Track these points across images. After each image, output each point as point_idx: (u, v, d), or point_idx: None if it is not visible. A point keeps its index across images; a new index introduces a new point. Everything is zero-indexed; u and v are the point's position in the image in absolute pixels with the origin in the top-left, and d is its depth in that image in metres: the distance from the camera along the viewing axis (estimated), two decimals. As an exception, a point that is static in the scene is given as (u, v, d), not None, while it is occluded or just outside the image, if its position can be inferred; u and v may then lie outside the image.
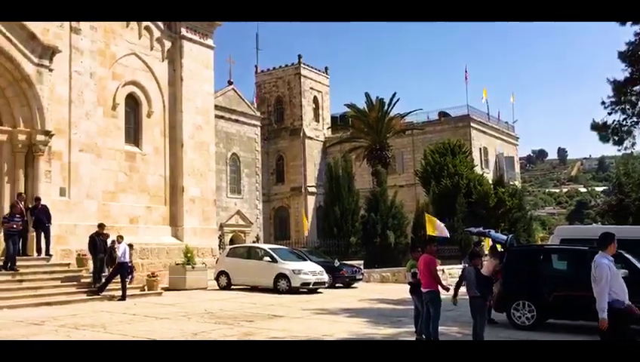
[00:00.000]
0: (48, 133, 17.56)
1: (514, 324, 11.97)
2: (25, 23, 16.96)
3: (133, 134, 21.54)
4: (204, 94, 23.93)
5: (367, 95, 39.81)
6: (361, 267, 24.41)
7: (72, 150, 18.71)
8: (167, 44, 22.62)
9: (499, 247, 13.49)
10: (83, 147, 19.04)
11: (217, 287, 20.07)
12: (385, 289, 21.21)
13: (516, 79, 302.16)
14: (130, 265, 17.11)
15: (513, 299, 12.08)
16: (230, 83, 43.66)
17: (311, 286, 19.35)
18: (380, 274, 25.39)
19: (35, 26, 17.39)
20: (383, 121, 38.88)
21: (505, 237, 14.13)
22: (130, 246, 17.59)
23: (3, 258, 15.59)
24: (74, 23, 18.97)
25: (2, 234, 15.84)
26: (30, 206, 16.69)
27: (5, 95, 17.20)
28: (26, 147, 17.36)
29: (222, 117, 40.11)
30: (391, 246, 29.33)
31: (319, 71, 53.08)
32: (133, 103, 21.59)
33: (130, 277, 17.11)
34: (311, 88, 51.43)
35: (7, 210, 16.46)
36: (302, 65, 50.55)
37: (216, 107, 29.77)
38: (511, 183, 42.45)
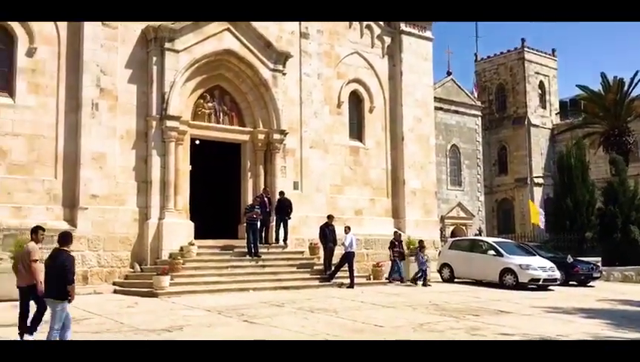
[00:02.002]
0: (283, 132, 19.22)
1: None
2: (262, 32, 18.76)
3: (357, 130, 22.51)
4: (424, 87, 23.96)
5: (602, 75, 36.07)
6: (599, 264, 22.23)
7: (303, 147, 20.23)
8: (387, 40, 23.13)
9: None
10: (312, 144, 20.46)
11: (440, 279, 19.98)
12: (628, 290, 19.05)
13: None
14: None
15: None
16: (449, 73, 43.05)
17: (540, 282, 18.22)
18: (621, 272, 22.92)
19: (269, 34, 19.14)
20: (622, 103, 34.87)
21: None
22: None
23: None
24: (303, 29, 20.46)
25: (245, 223, 17.74)
26: (270, 198, 18.36)
27: (247, 99, 19.24)
28: (264, 145, 19.23)
29: (441, 108, 39.73)
30: (634, 243, 26.18)
31: (545, 54, 49.51)
32: (355, 100, 22.55)
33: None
34: (536, 73, 48.23)
35: (249, 201, 18.41)
36: (525, 49, 47.65)
37: (435, 99, 29.58)
38: None
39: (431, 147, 24.14)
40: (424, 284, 18.55)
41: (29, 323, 9.09)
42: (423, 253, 19.33)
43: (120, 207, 16.65)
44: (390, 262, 19.58)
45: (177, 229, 16.95)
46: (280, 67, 19.34)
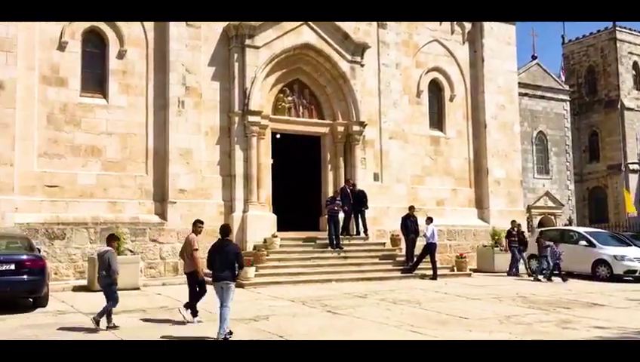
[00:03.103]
0: (362, 124, 19.20)
1: None
2: (339, 24, 18.80)
3: (437, 119, 22.10)
4: (506, 72, 23.15)
5: None
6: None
7: (382, 138, 20.11)
8: (468, 26, 22.52)
9: None
10: (392, 134, 20.30)
11: (528, 271, 19.31)
12: None
13: None
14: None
15: None
16: (534, 57, 41.31)
17: (637, 274, 17.22)
18: None
19: (346, 26, 19.13)
20: None
21: None
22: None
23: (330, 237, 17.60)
24: (380, 19, 20.30)
25: (327, 215, 17.88)
26: (352, 184, 18.38)
27: (326, 92, 19.36)
28: (344, 137, 19.28)
29: (525, 94, 38.23)
30: None
31: (639, 32, 46.47)
32: (435, 89, 22.14)
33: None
34: (629, 53, 45.35)
35: (330, 193, 18.55)
36: (617, 28, 44.87)
37: (519, 84, 28.50)
38: None
39: (515, 134, 23.33)
40: (549, 279, 17.16)
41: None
42: (556, 245, 17.48)
43: (206, 200, 17.25)
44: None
45: (261, 222, 17.36)
46: (358, 58, 19.31)
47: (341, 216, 17.61)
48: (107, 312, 9.40)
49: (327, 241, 17.38)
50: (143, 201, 16.68)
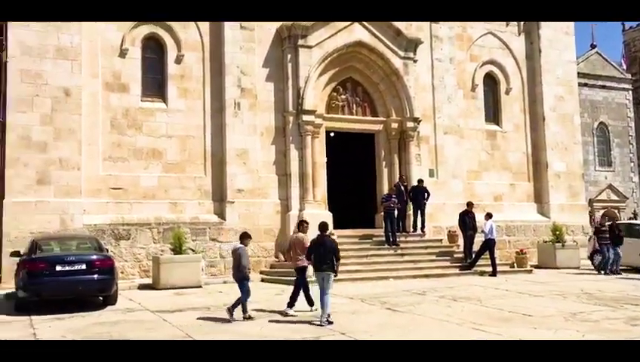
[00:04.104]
0: (416, 120, 19.07)
1: None
2: (392, 21, 18.71)
3: (493, 113, 21.72)
4: (565, 63, 22.52)
5: None
6: None
7: (437, 133, 19.93)
8: (523, 17, 22.01)
9: None
10: (447, 130, 20.08)
11: (591, 267, 18.72)
12: None
13: None
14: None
15: None
16: (593, 46, 39.96)
17: None
18: None
19: (399, 23, 19.01)
20: None
21: None
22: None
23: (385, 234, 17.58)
24: (432, 14, 20.08)
25: (382, 213, 17.87)
26: (407, 186, 18.29)
27: (379, 89, 19.32)
28: (398, 134, 19.19)
29: (585, 84, 37.00)
30: None
31: None
32: (490, 82, 21.75)
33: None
34: (696, 37, 43.21)
35: (385, 191, 18.52)
36: (682, 11, 42.80)
37: (579, 74, 27.59)
38: None
39: (575, 126, 22.66)
40: (613, 272, 16.81)
41: (291, 298, 11.00)
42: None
43: (263, 199, 17.53)
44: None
45: (317, 220, 17.25)
46: (411, 54, 19.19)
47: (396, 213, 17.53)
48: (242, 304, 10.12)
49: (384, 238, 17.37)
50: (202, 202, 17.10)
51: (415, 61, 19.31)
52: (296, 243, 11.06)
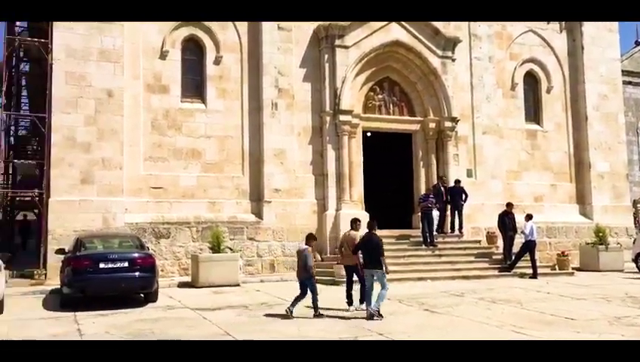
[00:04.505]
0: (454, 120, 18.86)
1: None
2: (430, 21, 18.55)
3: (533, 112, 21.33)
4: (609, 60, 21.95)
5: None
6: None
7: (475, 133, 19.67)
8: (564, 14, 21.52)
9: None
10: (485, 129, 19.80)
11: (636, 270, 18.20)
12: None
13: None
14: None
15: None
16: (637, 43, 38.74)
17: None
18: None
19: (437, 22, 18.83)
20: None
21: None
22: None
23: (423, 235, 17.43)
24: (471, 12, 19.82)
25: (420, 213, 17.70)
26: (447, 186, 18.07)
27: (416, 88, 19.17)
28: (435, 134, 19.02)
29: (629, 82, 35.82)
30: None
31: None
32: (531, 81, 21.36)
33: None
34: None
35: (422, 191, 18.36)
36: None
37: (623, 72, 26.79)
38: None
39: (620, 125, 22.07)
40: None
41: (349, 295, 11.34)
42: None
43: (300, 199, 17.60)
44: None
45: (353, 220, 17.44)
46: (449, 53, 18.99)
47: (435, 213, 17.36)
48: (313, 302, 10.46)
49: (421, 239, 17.23)
50: (240, 201, 17.26)
51: (453, 60, 19.10)
52: (347, 240, 11.39)
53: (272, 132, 17.42)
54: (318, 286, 14.76)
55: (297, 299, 10.54)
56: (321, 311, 10.48)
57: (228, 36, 17.51)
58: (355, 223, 11.55)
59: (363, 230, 11.40)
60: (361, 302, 10.92)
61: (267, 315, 10.71)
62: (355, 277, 11.37)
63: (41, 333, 9.12)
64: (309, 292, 10.52)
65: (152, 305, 11.83)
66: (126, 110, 16.09)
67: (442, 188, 17.78)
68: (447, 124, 18.81)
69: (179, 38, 17.10)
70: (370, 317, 9.99)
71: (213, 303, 12.10)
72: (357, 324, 9.80)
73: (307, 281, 10.59)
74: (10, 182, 21.78)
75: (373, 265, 10.44)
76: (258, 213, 17.27)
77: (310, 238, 11.00)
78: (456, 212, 18.01)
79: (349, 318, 10.35)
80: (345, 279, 11.75)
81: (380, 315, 10.05)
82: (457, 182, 18.10)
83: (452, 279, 15.71)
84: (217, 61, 17.43)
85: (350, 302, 11.14)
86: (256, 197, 17.40)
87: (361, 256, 10.89)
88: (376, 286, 10.41)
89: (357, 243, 10.84)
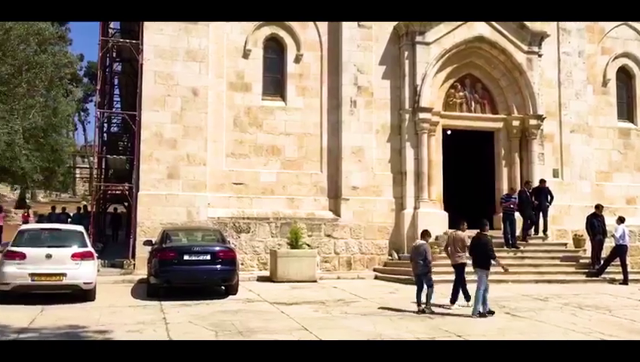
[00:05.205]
0: (540, 117, 18.16)
1: None
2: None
3: (626, 109, 20.20)
4: None
5: None
6: None
7: (562, 131, 18.86)
8: (663, 5, 20.19)
9: None
10: (573, 127, 18.93)
11: None
12: None
13: None
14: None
15: None
16: None
17: None
18: None
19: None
20: None
21: None
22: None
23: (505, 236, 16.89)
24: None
25: (501, 214, 17.16)
26: (531, 187, 17.39)
27: (500, 85, 18.61)
28: (519, 132, 18.38)
29: None
30: None
31: None
32: (624, 76, 20.25)
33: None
34: None
35: (504, 191, 17.79)
36: None
37: None
38: None
39: None
40: None
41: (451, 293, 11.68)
42: None
43: (377, 197, 17.53)
44: None
45: (432, 219, 17.20)
46: (535, 48, 18.29)
47: (517, 215, 16.77)
48: (427, 297, 10.84)
49: (502, 240, 16.70)
50: (317, 198, 17.42)
51: (540, 55, 18.37)
52: (456, 240, 11.60)
53: (351, 129, 17.45)
54: (395, 284, 14.80)
55: (418, 294, 10.89)
56: (429, 308, 10.77)
57: (308, 34, 17.70)
58: (462, 224, 12.02)
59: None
60: (453, 301, 11.43)
61: (343, 312, 10.75)
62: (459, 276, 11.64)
63: (130, 320, 9.61)
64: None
65: (233, 298, 12.18)
66: (210, 108, 16.63)
67: (528, 193, 17.03)
68: (533, 121, 18.14)
69: (261, 38, 17.46)
70: (482, 315, 10.35)
71: (290, 298, 12.29)
72: (435, 325, 9.67)
73: (424, 276, 10.89)
74: (102, 177, 23.02)
75: (480, 264, 10.73)
76: (336, 210, 17.36)
77: (425, 234, 11.36)
78: (541, 213, 17.31)
79: (454, 314, 10.77)
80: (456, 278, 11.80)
81: (491, 312, 10.45)
82: (542, 182, 17.40)
83: (535, 282, 15.17)
84: (297, 59, 17.65)
85: (454, 300, 11.46)
86: (334, 195, 17.50)
87: (462, 255, 11.35)
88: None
89: (470, 244, 11.20)
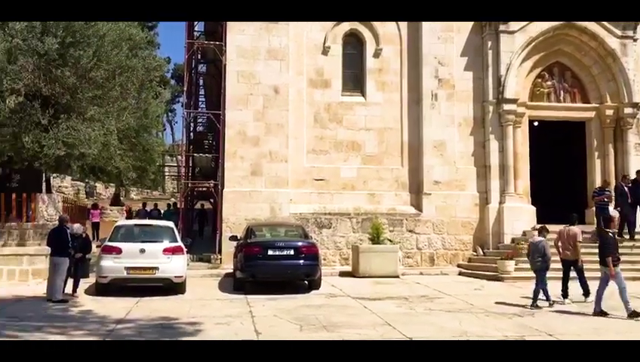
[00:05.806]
0: (636, 105, 17.11)
1: None
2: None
3: None
4: None
5: None
6: None
7: (662, 120, 17.66)
8: None
9: None
10: (676, 115, 17.67)
11: None
12: None
13: None
14: None
15: None
16: None
17: None
18: None
19: None
20: None
21: None
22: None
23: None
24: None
25: (594, 208, 16.31)
26: (629, 181, 16.40)
27: (591, 73, 17.68)
28: (613, 121, 17.42)
29: None
30: None
31: None
32: None
33: None
34: None
35: (597, 184, 16.91)
36: None
37: None
38: None
39: None
40: None
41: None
42: None
43: (460, 192, 17.17)
44: None
45: (518, 213, 16.66)
46: (630, 32, 17.23)
47: (612, 211, 15.82)
48: (544, 292, 10.88)
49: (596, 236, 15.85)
50: (399, 193, 17.28)
51: (635, 40, 17.29)
52: (569, 235, 11.60)
53: (432, 123, 17.17)
54: (480, 281, 14.45)
55: (545, 291, 10.95)
56: (535, 304, 10.73)
57: (387, 28, 17.56)
58: (574, 219, 12.01)
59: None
60: (564, 296, 11.43)
61: (427, 308, 10.61)
62: (573, 273, 11.63)
63: (218, 313, 9.95)
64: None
65: (315, 292, 12.32)
66: (290, 105, 16.87)
67: (625, 188, 16.00)
68: (628, 110, 17.12)
69: (340, 34, 17.50)
70: (602, 314, 10.06)
71: (373, 293, 12.28)
72: (523, 323, 9.36)
73: (540, 271, 10.92)
74: (190, 174, 23.91)
75: (602, 262, 10.37)
76: (417, 206, 17.16)
77: (543, 230, 11.45)
78: (638, 207, 16.27)
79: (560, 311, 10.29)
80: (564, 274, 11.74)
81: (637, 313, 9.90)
82: (638, 173, 16.35)
83: (632, 280, 14.26)
84: (377, 54, 17.56)
85: (565, 295, 11.41)
86: (416, 190, 17.29)
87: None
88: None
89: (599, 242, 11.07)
